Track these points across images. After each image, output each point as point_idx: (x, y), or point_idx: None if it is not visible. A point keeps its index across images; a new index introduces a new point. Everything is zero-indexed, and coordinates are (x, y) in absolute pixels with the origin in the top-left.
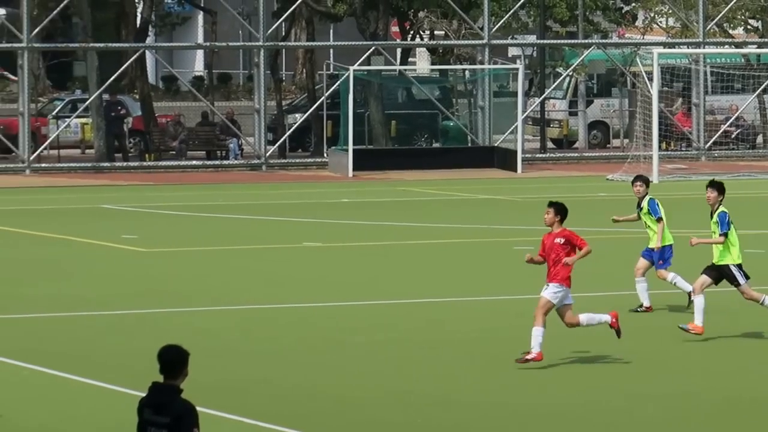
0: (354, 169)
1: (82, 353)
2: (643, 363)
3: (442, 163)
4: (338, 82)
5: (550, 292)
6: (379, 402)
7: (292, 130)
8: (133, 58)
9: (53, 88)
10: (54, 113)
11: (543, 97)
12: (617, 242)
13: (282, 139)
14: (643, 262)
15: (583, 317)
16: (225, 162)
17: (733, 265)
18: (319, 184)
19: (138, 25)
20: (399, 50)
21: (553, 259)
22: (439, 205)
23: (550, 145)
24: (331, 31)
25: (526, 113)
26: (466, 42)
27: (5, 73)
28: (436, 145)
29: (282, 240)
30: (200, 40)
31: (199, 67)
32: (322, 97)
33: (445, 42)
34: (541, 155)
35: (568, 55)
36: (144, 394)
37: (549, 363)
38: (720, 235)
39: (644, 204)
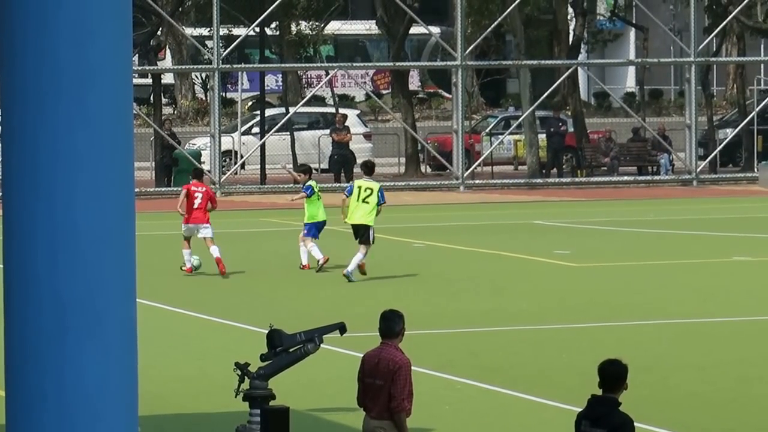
0: None
1: (515, 367)
2: None
3: None
4: None
5: None
6: None
7: (723, 145)
8: (565, 74)
9: (486, 105)
10: (488, 130)
11: None
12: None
13: (713, 154)
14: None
15: None
16: (656, 177)
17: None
18: (750, 199)
19: (570, 42)
20: None
21: None
22: None
23: None
24: (762, 46)
25: None
26: None
27: (440, 90)
28: None
29: (712, 254)
30: (632, 56)
31: (630, 83)
32: (753, 113)
33: None
34: None
35: None
36: (576, 409)
37: None
38: (380, 204)
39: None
